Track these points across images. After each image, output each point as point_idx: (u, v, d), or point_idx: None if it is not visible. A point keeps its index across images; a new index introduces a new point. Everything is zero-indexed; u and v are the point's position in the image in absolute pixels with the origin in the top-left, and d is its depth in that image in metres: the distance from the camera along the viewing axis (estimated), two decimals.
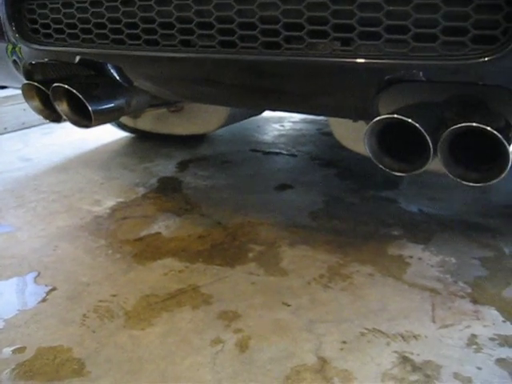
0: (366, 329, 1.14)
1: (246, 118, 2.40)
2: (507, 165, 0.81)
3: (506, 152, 0.80)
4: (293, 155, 2.39)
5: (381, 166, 0.91)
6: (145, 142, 2.58)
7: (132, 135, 2.66)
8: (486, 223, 1.65)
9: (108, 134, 2.68)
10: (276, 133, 2.79)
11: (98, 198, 1.90)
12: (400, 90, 0.91)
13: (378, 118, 0.83)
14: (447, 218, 1.69)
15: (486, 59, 0.78)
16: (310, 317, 1.19)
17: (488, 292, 1.28)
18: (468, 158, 0.88)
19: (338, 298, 1.26)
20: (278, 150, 2.46)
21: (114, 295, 1.29)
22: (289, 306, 1.23)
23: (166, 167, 2.22)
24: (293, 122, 2.96)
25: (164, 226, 1.66)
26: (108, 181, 2.07)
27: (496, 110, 0.94)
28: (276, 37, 0.91)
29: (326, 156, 2.34)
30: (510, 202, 1.82)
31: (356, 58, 0.86)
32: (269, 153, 2.43)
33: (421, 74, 0.85)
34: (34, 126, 2.93)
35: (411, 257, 1.44)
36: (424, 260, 1.43)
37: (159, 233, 1.62)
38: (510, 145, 0.83)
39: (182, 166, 2.24)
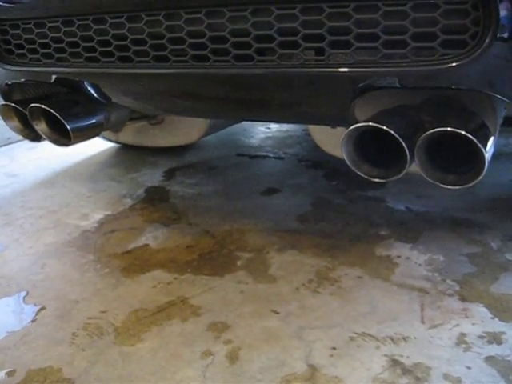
0: (356, 333, 1.15)
1: (227, 127, 2.39)
2: (483, 167, 0.81)
3: (482, 155, 0.80)
4: (279, 158, 2.39)
5: (359, 173, 0.91)
6: (131, 151, 2.57)
7: (118, 145, 2.65)
8: (473, 218, 1.66)
9: (94, 146, 2.67)
10: (262, 135, 2.79)
11: (85, 211, 1.89)
12: (375, 97, 0.91)
13: (353, 126, 0.83)
14: (435, 215, 1.70)
15: (457, 64, 0.78)
16: (300, 323, 1.19)
17: (476, 289, 1.28)
18: (446, 161, 0.88)
19: (327, 303, 1.26)
20: (264, 154, 2.46)
21: (104, 311, 1.28)
22: (278, 313, 1.23)
23: (152, 176, 2.21)
24: (279, 124, 2.96)
25: (152, 237, 1.66)
26: (95, 193, 2.06)
27: (473, 112, 0.94)
28: (247, 49, 0.91)
29: (313, 157, 2.34)
30: (496, 195, 1.82)
31: (328, 68, 0.87)
32: (255, 156, 2.43)
33: (393, 80, 0.85)
34: (20, 140, 2.90)
35: (399, 256, 1.45)
36: (412, 259, 1.43)
37: (147, 244, 1.61)
38: (486, 147, 0.83)
39: (169, 174, 2.23)
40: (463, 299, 1.24)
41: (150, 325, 1.22)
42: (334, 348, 1.10)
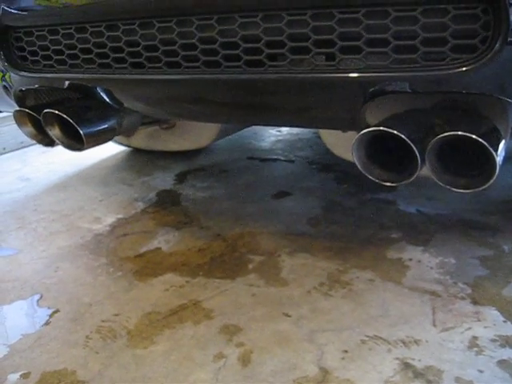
0: (367, 336, 1.15)
1: (238, 131, 2.41)
2: (495, 171, 0.82)
3: (493, 159, 0.81)
4: (290, 161, 2.39)
5: (370, 177, 0.91)
6: (143, 155, 2.59)
7: (129, 149, 2.67)
8: (484, 221, 1.65)
9: (106, 149, 2.69)
10: (273, 139, 2.80)
11: (97, 215, 1.91)
12: (386, 101, 0.92)
13: (364, 131, 0.84)
14: (446, 217, 1.70)
15: (467, 68, 0.78)
16: (311, 327, 1.19)
17: (488, 292, 1.28)
18: (457, 165, 0.88)
19: (338, 306, 1.26)
20: (275, 157, 2.47)
21: (117, 314, 1.29)
22: (290, 316, 1.24)
23: (164, 180, 2.23)
24: (290, 128, 2.97)
25: (164, 240, 1.67)
26: (107, 197, 2.08)
27: (485, 116, 0.94)
28: (259, 55, 0.92)
29: (324, 160, 2.35)
30: (508, 197, 1.82)
31: (338, 73, 0.87)
32: (266, 160, 2.44)
33: (403, 85, 0.85)
34: (33, 144, 2.94)
35: (411, 259, 1.45)
36: (423, 262, 1.43)
37: (159, 248, 1.62)
38: (497, 150, 0.83)
39: (180, 177, 2.24)
40: (475, 302, 1.24)
41: (163, 328, 1.23)
42: (346, 351, 1.11)
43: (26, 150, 2.91)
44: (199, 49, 0.97)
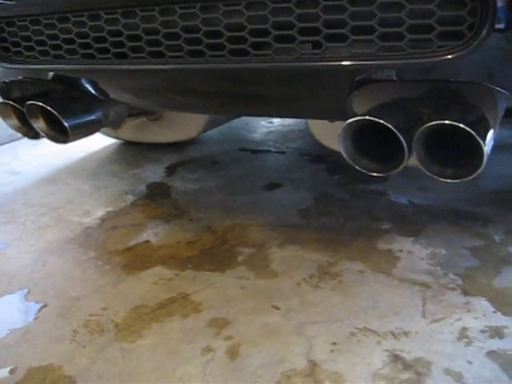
0: (357, 328, 1.14)
1: (226, 122, 2.38)
2: (482, 160, 0.80)
3: (481, 148, 0.79)
4: (282, 152, 2.38)
5: (357, 167, 0.90)
6: (133, 147, 2.57)
7: (120, 141, 2.65)
8: (476, 211, 1.65)
9: (97, 142, 2.67)
10: (265, 130, 2.78)
11: (87, 208, 1.89)
12: (373, 90, 0.90)
13: (350, 120, 0.83)
14: (437, 208, 1.69)
15: (453, 56, 0.76)
16: (301, 319, 1.18)
17: (479, 282, 1.27)
18: (445, 155, 0.87)
19: (328, 298, 1.25)
20: (266, 148, 2.45)
21: (104, 308, 1.28)
22: (279, 309, 1.23)
23: (154, 172, 2.21)
24: (282, 119, 2.95)
25: (153, 233, 1.66)
26: (97, 190, 2.06)
27: (473, 105, 0.93)
28: (243, 44, 0.90)
29: (315, 151, 2.33)
30: (499, 187, 1.81)
31: (324, 61, 0.85)
32: (258, 151, 2.42)
33: (390, 73, 0.84)
34: (23, 138, 2.90)
35: (401, 250, 1.44)
36: (414, 253, 1.42)
37: (148, 241, 1.61)
38: (485, 140, 0.82)
39: (171, 170, 2.23)
40: (465, 293, 1.23)
41: (151, 321, 1.22)
42: (335, 343, 1.10)
43: (16, 143, 2.88)
44: (182, 38, 0.95)
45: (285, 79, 0.95)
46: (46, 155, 2.61)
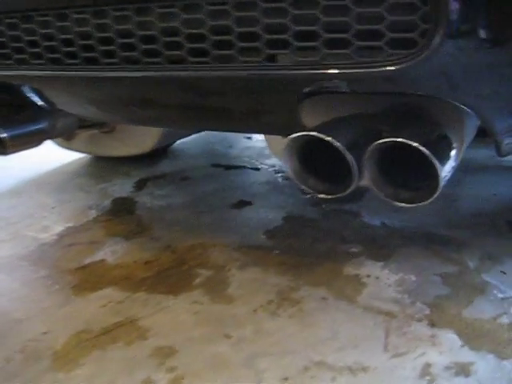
0: (312, 361, 1.05)
1: (184, 137, 2.28)
2: (438, 184, 0.72)
3: (436, 170, 0.71)
4: (256, 169, 2.29)
5: (304, 186, 0.81)
6: (105, 160, 2.48)
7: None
8: (451, 235, 1.56)
9: (69, 154, 2.57)
10: (242, 145, 2.70)
11: (46, 223, 1.80)
12: (323, 102, 0.82)
13: (292, 136, 0.74)
14: (411, 230, 1.61)
15: (404, 65, 0.68)
16: (252, 350, 1.09)
17: (447, 313, 1.19)
18: (401, 176, 0.79)
19: (284, 327, 1.16)
20: (241, 164, 2.37)
21: (45, 333, 1.19)
22: (230, 337, 1.14)
23: (122, 187, 2.12)
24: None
25: (110, 251, 1.56)
26: (60, 204, 1.97)
27: (435, 122, 0.85)
28: (179, 50, 0.82)
29: None
30: (478, 210, 1.73)
31: (263, 70, 0.77)
32: (231, 167, 2.33)
33: (339, 84, 0.76)
34: None
35: (368, 276, 1.35)
36: (382, 279, 1.34)
37: (104, 260, 1.52)
38: (442, 160, 0.74)
39: (140, 184, 2.14)
40: (432, 324, 1.15)
41: (92, 348, 1.12)
42: (286, 379, 1.01)
43: None
44: (117, 43, 0.87)
45: (229, 90, 0.87)
46: (15, 167, 2.51)
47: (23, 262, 1.54)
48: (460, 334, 1.11)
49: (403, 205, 0.79)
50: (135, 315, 1.23)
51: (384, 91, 0.79)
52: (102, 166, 2.41)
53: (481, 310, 1.19)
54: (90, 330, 1.19)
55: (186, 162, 2.44)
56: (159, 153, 2.38)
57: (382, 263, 1.41)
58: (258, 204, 1.87)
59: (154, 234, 1.67)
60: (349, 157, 0.72)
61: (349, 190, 0.79)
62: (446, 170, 0.75)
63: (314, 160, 0.81)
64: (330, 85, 0.76)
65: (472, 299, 1.24)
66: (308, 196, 1.91)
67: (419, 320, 1.16)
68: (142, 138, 2.00)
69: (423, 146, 0.72)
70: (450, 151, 0.79)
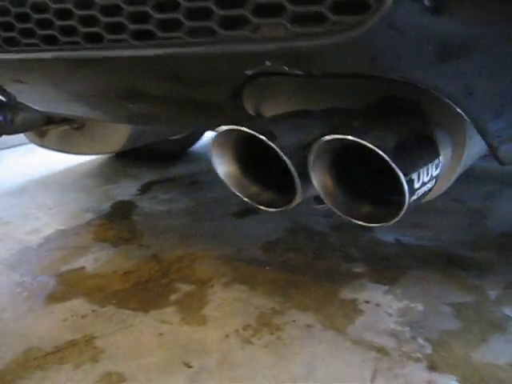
0: None
1: (159, 139, 2.11)
2: (404, 201, 0.54)
3: (399, 179, 0.53)
4: None
5: (242, 196, 0.65)
6: (118, 161, 2.38)
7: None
8: (474, 257, 1.35)
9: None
10: None
11: (38, 225, 1.70)
12: (269, 88, 0.65)
13: (219, 130, 0.58)
14: (428, 249, 1.40)
15: (349, 35, 0.51)
16: None
17: (453, 353, 0.99)
18: (360, 187, 0.61)
19: (255, 358, 0.99)
20: None
21: None
22: (191, 367, 0.98)
23: (127, 189, 2.00)
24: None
25: (93, 259, 1.44)
26: (58, 205, 1.87)
27: (418, 119, 0.67)
28: (96, 27, 0.67)
29: None
30: (508, 230, 1.50)
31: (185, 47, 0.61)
32: None
33: (277, 64, 0.59)
34: (16, 145, 2.78)
35: (367, 302, 1.16)
36: (382, 306, 1.15)
37: (83, 267, 1.39)
38: (411, 168, 0.56)
39: (145, 188, 2.02)
40: (431, 367, 0.95)
41: (35, 370, 0.99)
42: None
43: (6, 151, 2.75)
44: (33, 19, 0.73)
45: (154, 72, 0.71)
46: (30, 165, 2.45)
47: (0, 265, 1.43)
48: (463, 381, 0.91)
49: (361, 223, 0.62)
50: (94, 333, 1.09)
51: (334, 72, 0.60)
52: (114, 168, 2.31)
53: (495, 353, 0.99)
54: (40, 347, 1.06)
55: (201, 165, 2.30)
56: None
57: (386, 287, 1.22)
58: (263, 213, 1.70)
59: (143, 241, 1.53)
60: (286, 159, 0.55)
61: (294, 202, 0.62)
62: (419, 181, 0.57)
63: (258, 163, 0.64)
64: (272, 67, 0.60)
65: (486, 338, 1.03)
66: (319, 206, 1.73)
67: (417, 360, 0.97)
68: (110, 137, 1.86)
69: (380, 146, 0.54)
70: (430, 157, 0.61)
